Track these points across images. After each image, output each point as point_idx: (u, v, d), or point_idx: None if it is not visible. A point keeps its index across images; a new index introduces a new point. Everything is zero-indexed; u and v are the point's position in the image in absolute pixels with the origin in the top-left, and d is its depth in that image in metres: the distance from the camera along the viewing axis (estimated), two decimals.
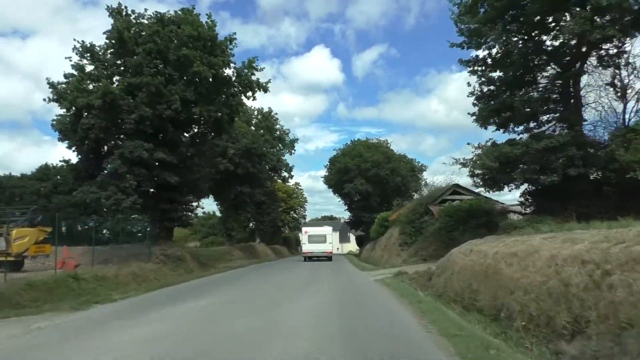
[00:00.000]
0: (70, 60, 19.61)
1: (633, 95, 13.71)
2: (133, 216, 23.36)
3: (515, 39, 13.99)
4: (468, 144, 15.21)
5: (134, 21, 20.68)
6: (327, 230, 34.47)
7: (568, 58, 13.80)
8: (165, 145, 20.68)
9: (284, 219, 55.00)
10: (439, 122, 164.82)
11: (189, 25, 19.96)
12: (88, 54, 20.26)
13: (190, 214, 24.03)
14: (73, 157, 20.98)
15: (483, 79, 15.07)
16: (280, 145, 44.89)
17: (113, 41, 20.16)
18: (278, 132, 44.93)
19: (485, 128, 15.52)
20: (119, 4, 20.50)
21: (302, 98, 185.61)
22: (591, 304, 5.26)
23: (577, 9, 12.05)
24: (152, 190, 20.55)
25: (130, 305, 9.44)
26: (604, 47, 14.07)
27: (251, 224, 48.38)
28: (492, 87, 15.21)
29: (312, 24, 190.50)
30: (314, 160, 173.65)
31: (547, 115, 14.47)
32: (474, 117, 15.45)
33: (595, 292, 5.35)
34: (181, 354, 5.01)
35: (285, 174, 45.90)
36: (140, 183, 19.29)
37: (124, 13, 20.53)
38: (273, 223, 46.95)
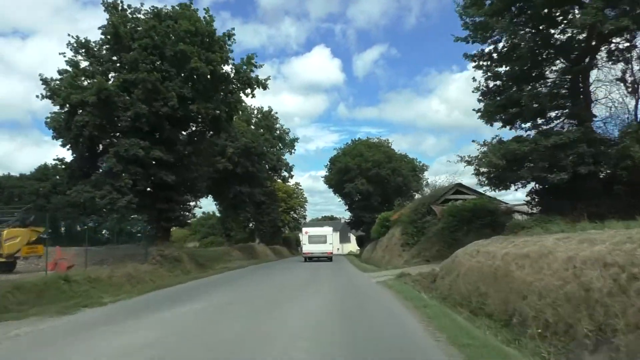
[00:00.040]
0: (64, 56, 19.17)
1: None
2: (133, 216, 22.98)
3: (523, 32, 13.49)
4: (473, 141, 14.82)
5: (130, 16, 20.23)
6: (327, 230, 34.38)
7: (577, 52, 13.31)
8: (161, 144, 20.22)
9: (284, 219, 54.53)
10: (440, 122, 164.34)
11: (186, 21, 19.51)
12: (83, 50, 19.83)
13: (187, 213, 23.55)
14: (68, 156, 20.58)
15: (489, 74, 14.57)
16: (280, 144, 44.42)
17: (108, 37, 19.74)
18: (278, 132, 44.47)
19: (491, 125, 15.06)
20: None
21: (302, 98, 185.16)
22: (618, 311, 4.79)
23: (587, 0, 11.58)
24: (148, 189, 20.08)
25: (120, 309, 8.98)
26: (614, 40, 13.60)
27: (251, 224, 47.94)
28: (498, 83, 14.71)
29: (313, 23, 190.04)
30: (314, 161, 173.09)
31: (556, 112, 13.99)
32: (479, 114, 14.97)
33: (621, 297, 4.88)
34: None
35: (285, 173, 45.47)
36: (136, 182, 18.83)
37: (119, 8, 20.07)
38: (273, 223, 46.48)
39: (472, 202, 19.86)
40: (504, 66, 14.71)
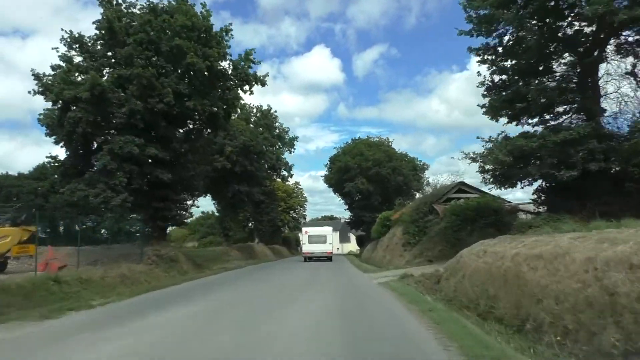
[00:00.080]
0: (58, 51, 18.67)
1: None
2: (132, 215, 22.46)
3: (529, 24, 13.00)
4: (478, 137, 14.35)
5: (125, 11, 19.74)
6: (327, 230, 34.29)
7: (586, 45, 12.83)
8: (157, 141, 19.74)
9: (283, 219, 54.05)
10: (440, 122, 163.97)
11: (182, 15, 19.02)
12: (77, 45, 19.32)
13: (184, 212, 23.07)
14: (62, 154, 20.07)
15: (494, 68, 14.07)
16: (279, 143, 43.92)
17: (103, 32, 19.23)
18: (277, 130, 43.96)
19: (497, 120, 14.57)
20: None
21: (302, 98, 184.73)
22: None
23: None
24: (144, 188, 19.57)
25: (108, 313, 8.48)
26: (623, 33, 13.13)
27: (250, 224, 47.47)
28: (503, 77, 14.22)
29: (313, 23, 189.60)
30: (314, 160, 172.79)
31: (564, 106, 13.49)
32: (484, 109, 14.48)
33: None
34: None
35: (284, 172, 44.92)
36: (130, 180, 18.35)
37: (114, 2, 19.58)
38: (272, 223, 46.02)
39: (475, 200, 19.38)
40: (509, 60, 14.23)
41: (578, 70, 13.21)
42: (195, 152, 22.05)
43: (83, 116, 17.30)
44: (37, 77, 17.85)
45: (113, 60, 19.53)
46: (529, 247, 8.12)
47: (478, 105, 14.57)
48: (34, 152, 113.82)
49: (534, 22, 13.19)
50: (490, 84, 14.57)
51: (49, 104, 18.74)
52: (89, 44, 19.55)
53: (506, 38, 14.03)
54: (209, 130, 23.56)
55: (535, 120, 14.06)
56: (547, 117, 13.77)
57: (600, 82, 13.34)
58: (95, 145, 19.70)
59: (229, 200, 34.61)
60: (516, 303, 7.17)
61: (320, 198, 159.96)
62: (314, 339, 5.84)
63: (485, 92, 14.69)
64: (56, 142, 18.67)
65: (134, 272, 16.48)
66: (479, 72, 14.57)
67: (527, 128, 14.02)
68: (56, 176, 36.20)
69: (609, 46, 13.26)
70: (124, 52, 18.23)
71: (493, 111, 14.17)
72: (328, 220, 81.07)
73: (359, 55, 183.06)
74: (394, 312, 7.89)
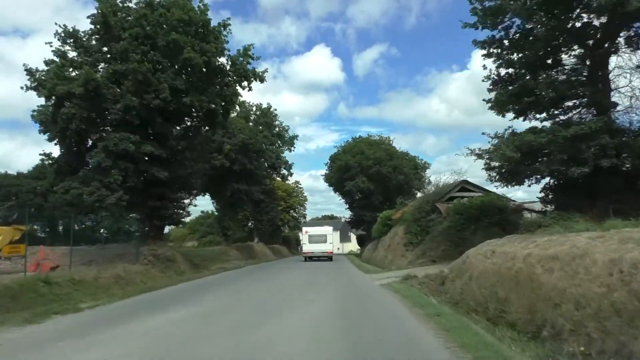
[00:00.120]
0: (51, 46, 18.18)
1: None
2: (132, 215, 22.01)
3: (537, 17, 12.50)
4: (483, 133, 13.77)
5: (120, 5, 19.25)
6: (327, 230, 34.04)
7: (597, 37, 12.32)
8: (153, 138, 19.30)
9: (283, 218, 53.56)
10: (440, 122, 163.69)
11: (179, 9, 18.53)
12: (71, 40, 18.83)
13: (181, 211, 22.57)
14: (56, 151, 19.60)
15: (500, 61, 13.55)
16: (279, 142, 43.40)
17: (98, 26, 18.75)
18: (277, 129, 43.44)
19: (503, 115, 14.04)
20: None
21: (302, 97, 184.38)
22: None
23: None
24: (140, 186, 19.09)
25: (95, 317, 8.01)
26: (634, 25, 12.63)
27: (250, 223, 46.99)
28: (510, 70, 13.71)
29: (313, 23, 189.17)
30: (315, 160, 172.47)
31: (574, 101, 12.98)
32: (490, 104, 13.98)
33: None
34: None
35: (284, 171, 44.40)
36: (126, 178, 17.87)
37: None
38: (272, 222, 45.55)
39: (479, 199, 18.89)
40: (515, 54, 13.72)
41: (588, 63, 12.69)
42: (192, 149, 21.56)
43: (77, 112, 16.82)
44: (29, 72, 17.37)
45: (109, 56, 19.06)
46: (542, 248, 7.65)
47: (483, 100, 14.09)
48: (34, 151, 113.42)
49: (542, 13, 12.68)
50: (496, 77, 14.05)
51: (47, 102, 18.28)
52: (84, 39, 19.07)
53: (512, 30, 13.52)
54: (207, 128, 23.09)
55: (543, 115, 13.54)
56: (556, 111, 13.26)
57: (610, 75, 12.84)
58: (90, 142, 19.25)
59: (228, 199, 34.12)
60: (530, 307, 6.69)
61: (320, 197, 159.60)
62: (313, 345, 5.39)
63: (491, 87, 14.18)
64: (50, 139, 18.20)
65: (129, 273, 16.03)
66: (484, 65, 14.12)
67: (534, 123, 13.52)
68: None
69: (619, 38, 12.74)
70: (119, 47, 17.75)
71: (499, 106, 13.66)
72: (328, 219, 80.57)
73: (359, 55, 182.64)
74: (399, 316, 7.40)
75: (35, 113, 18.89)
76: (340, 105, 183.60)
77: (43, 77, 17.43)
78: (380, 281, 13.41)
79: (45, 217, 36.01)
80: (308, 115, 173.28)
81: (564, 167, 11.12)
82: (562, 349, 5.21)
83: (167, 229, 43.09)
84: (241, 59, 21.09)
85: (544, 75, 12.65)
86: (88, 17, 18.72)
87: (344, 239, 76.80)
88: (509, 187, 13.85)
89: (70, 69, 18.14)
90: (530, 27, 13.18)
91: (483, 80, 14.14)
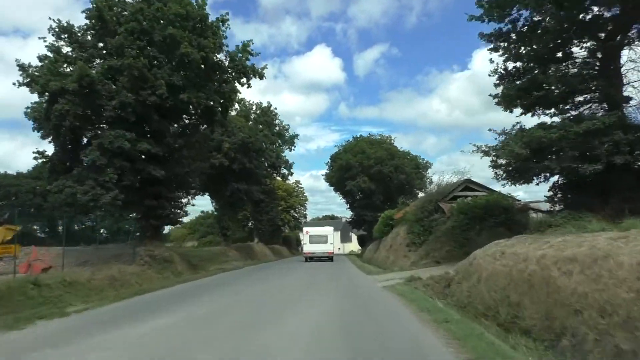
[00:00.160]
0: (45, 41, 17.73)
1: None
2: (131, 215, 21.55)
3: (546, 8, 12.01)
4: (490, 129, 13.28)
5: None
6: (328, 230, 33.79)
7: (608, 29, 11.82)
8: (150, 136, 18.83)
9: (283, 218, 53.07)
10: (441, 122, 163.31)
11: (176, 4, 18.06)
12: (65, 35, 18.37)
13: (179, 211, 22.09)
14: (50, 149, 19.12)
15: (508, 54, 13.03)
16: (279, 141, 42.89)
17: (93, 21, 18.29)
18: (277, 128, 42.94)
19: (511, 111, 13.54)
20: None
21: (303, 97, 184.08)
22: None
23: None
24: (137, 184, 18.62)
25: (81, 323, 7.51)
26: None
27: (250, 223, 46.51)
28: (518, 64, 13.20)
29: (314, 22, 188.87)
30: (315, 160, 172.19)
31: (584, 95, 12.47)
32: (497, 99, 13.48)
33: None
34: None
35: (284, 170, 43.87)
36: (121, 177, 17.40)
37: None
38: (272, 222, 45.08)
39: (484, 198, 18.40)
40: (522, 47, 13.22)
41: (599, 56, 12.20)
42: (190, 147, 21.09)
43: (71, 109, 16.34)
44: (22, 67, 16.92)
45: (104, 52, 18.60)
46: (557, 249, 7.17)
47: (490, 95, 13.60)
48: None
49: (551, 5, 12.19)
50: (503, 72, 13.55)
51: (41, 99, 17.82)
52: (79, 34, 18.61)
53: (520, 23, 13.02)
54: (205, 126, 22.63)
55: (552, 110, 13.04)
56: (566, 106, 12.75)
57: (622, 69, 12.34)
58: (85, 140, 18.79)
59: (227, 199, 33.64)
60: (546, 313, 6.21)
61: (321, 197, 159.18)
62: (313, 356, 4.91)
63: (498, 81, 13.68)
64: (43, 137, 17.74)
65: (125, 274, 15.59)
66: (491, 59, 13.58)
67: (543, 119, 13.01)
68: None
69: (632, 31, 12.24)
70: (115, 42, 17.27)
71: (507, 101, 13.15)
72: (329, 219, 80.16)
73: (359, 55, 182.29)
74: (404, 323, 6.91)
75: (29, 110, 18.42)
76: (341, 105, 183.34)
77: (36, 73, 16.98)
78: (382, 283, 12.93)
79: (45, 217, 35.60)
80: (309, 115, 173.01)
81: (575, 164, 10.62)
82: None
83: (167, 229, 42.73)
84: (240, 55, 20.62)
85: (554, 69, 12.15)
86: (83, 11, 18.31)
87: (345, 239, 76.39)
88: (517, 185, 13.38)
89: (65, 65, 17.68)
90: (538, 19, 12.69)
91: (489, 75, 13.69)
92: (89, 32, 18.84)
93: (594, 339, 4.89)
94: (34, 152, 17.81)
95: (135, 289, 14.15)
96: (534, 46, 12.56)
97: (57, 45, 17.93)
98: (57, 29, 18.19)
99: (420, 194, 39.57)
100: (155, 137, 18.73)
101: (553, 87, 11.97)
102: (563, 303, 5.86)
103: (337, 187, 49.42)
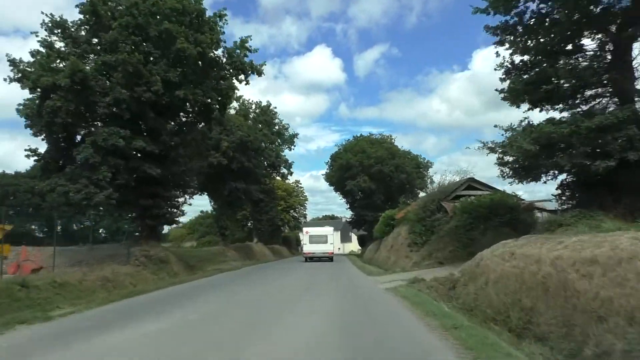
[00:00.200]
0: (37, 36, 17.25)
1: None
2: (130, 215, 21.06)
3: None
4: (495, 126, 12.79)
5: None
6: (328, 230, 33.57)
7: (619, 20, 11.33)
8: (145, 133, 18.36)
9: (283, 218, 52.58)
10: (441, 122, 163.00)
11: None
12: (59, 30, 17.89)
13: (175, 210, 21.60)
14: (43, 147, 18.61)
15: (515, 47, 12.53)
16: (279, 140, 42.37)
17: (87, 16, 17.82)
18: (277, 127, 42.43)
19: (518, 106, 13.04)
20: None
21: (303, 97, 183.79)
22: None
23: None
24: (132, 183, 18.15)
25: (62, 328, 7.00)
26: None
27: (249, 223, 46.03)
28: (525, 58, 12.70)
29: (314, 23, 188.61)
30: (315, 160, 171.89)
31: (595, 89, 11.99)
32: (503, 95, 12.99)
33: None
34: None
35: (284, 170, 43.33)
36: (116, 175, 16.94)
37: None
38: (272, 222, 44.60)
39: (488, 197, 17.91)
40: (530, 41, 12.73)
41: (610, 49, 11.71)
42: (187, 145, 20.59)
43: (63, 105, 15.86)
44: (12, 62, 16.43)
45: (98, 47, 18.12)
46: (573, 249, 6.70)
47: (496, 90, 13.10)
48: None
49: None
50: (509, 65, 13.07)
51: (33, 95, 17.34)
52: (72, 29, 18.13)
53: (527, 16, 12.54)
54: (202, 124, 22.15)
55: (561, 105, 12.55)
56: (577, 101, 12.27)
57: (634, 63, 11.85)
58: (79, 138, 18.32)
59: (226, 198, 33.15)
60: (564, 319, 5.74)
61: (321, 198, 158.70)
62: None
63: (504, 76, 13.18)
64: (35, 134, 17.25)
65: (118, 275, 15.13)
66: (497, 52, 13.09)
67: (551, 114, 12.49)
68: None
69: None
70: (109, 37, 16.81)
71: (513, 96, 12.64)
72: (329, 219, 79.70)
73: (360, 55, 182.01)
74: (411, 329, 6.42)
75: (21, 107, 17.94)
76: (341, 105, 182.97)
77: (28, 68, 16.50)
78: (385, 285, 12.45)
79: (43, 217, 35.09)
80: (309, 115, 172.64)
81: (587, 160, 10.14)
82: None
83: (166, 229, 42.23)
84: (238, 51, 20.14)
85: (563, 62, 11.66)
86: (77, 6, 17.80)
87: (345, 239, 75.96)
88: (524, 183, 12.88)
89: (58, 61, 17.21)
90: (546, 11, 12.21)
91: (495, 69, 13.18)
92: (83, 28, 18.37)
93: (622, 349, 4.41)
94: (26, 150, 17.32)
95: (128, 290, 13.69)
96: (542, 39, 12.06)
97: (49, 40, 17.45)
98: (50, 24, 17.72)
99: (421, 194, 39.10)
100: (150, 134, 18.26)
101: (562, 81, 11.49)
102: (584, 309, 5.39)
103: (337, 186, 48.98)
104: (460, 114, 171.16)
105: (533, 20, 12.31)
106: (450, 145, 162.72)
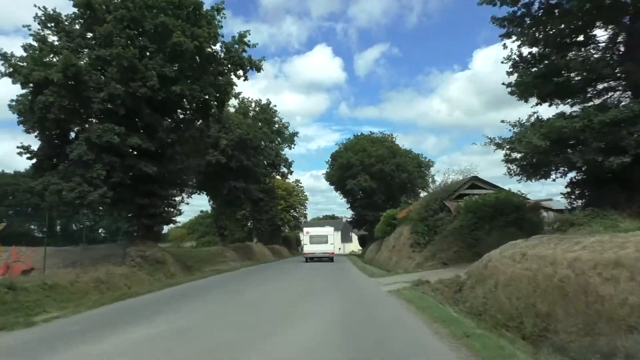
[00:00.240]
0: (29, 29, 16.79)
1: None
2: (130, 215, 20.61)
3: None
4: (502, 121, 12.31)
5: None
6: (328, 230, 33.19)
7: (630, 9, 10.83)
8: (141, 130, 17.87)
9: (283, 218, 52.09)
10: (441, 122, 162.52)
11: None
12: (52, 24, 17.42)
13: (172, 209, 21.12)
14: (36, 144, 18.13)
15: (523, 39, 12.04)
16: (279, 139, 41.87)
17: (81, 10, 17.34)
18: (277, 125, 41.93)
19: (526, 100, 12.55)
20: None
21: (303, 97, 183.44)
22: None
23: None
24: (127, 181, 17.67)
25: (43, 336, 6.51)
26: None
27: (249, 223, 45.54)
28: (534, 50, 12.20)
29: (314, 22, 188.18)
30: (316, 160, 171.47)
31: (607, 82, 11.48)
32: (510, 89, 12.50)
33: None
34: None
35: (284, 169, 42.84)
36: (110, 173, 16.45)
37: None
38: (272, 222, 44.10)
39: (493, 196, 17.42)
40: (538, 32, 12.23)
41: (621, 40, 11.22)
42: (184, 143, 20.10)
43: (56, 100, 15.37)
44: (4, 56, 15.95)
45: (93, 42, 17.64)
46: (592, 250, 6.21)
47: (503, 83, 12.61)
48: None
49: None
50: (517, 58, 12.56)
51: (27, 92, 16.86)
52: (66, 23, 17.65)
53: (535, 7, 12.04)
54: (200, 121, 21.67)
55: (571, 100, 12.06)
56: (588, 94, 11.77)
57: None
58: (73, 135, 17.83)
59: (225, 197, 32.66)
60: (587, 328, 5.26)
61: (321, 197, 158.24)
62: None
63: (511, 69, 12.68)
64: (27, 131, 16.77)
65: (113, 276, 14.67)
66: (504, 44, 12.59)
67: (561, 109, 11.99)
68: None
69: None
70: (103, 31, 16.33)
71: (521, 89, 12.14)
72: (329, 219, 79.21)
73: (360, 55, 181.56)
74: (419, 338, 5.92)
75: (13, 103, 17.45)
76: (341, 105, 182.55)
77: (19, 63, 16.03)
78: (387, 287, 11.95)
79: (42, 217, 34.62)
80: (309, 115, 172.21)
81: (600, 156, 9.65)
82: None
83: (166, 229, 41.75)
84: (236, 46, 19.67)
85: (574, 54, 11.16)
86: None
87: (345, 239, 75.49)
88: (532, 181, 12.38)
89: (51, 55, 16.73)
90: (555, 1, 11.70)
91: (502, 62, 12.69)
92: (77, 21, 17.89)
93: None
94: (18, 147, 16.82)
95: (122, 292, 13.24)
96: (551, 30, 11.56)
97: (42, 34, 16.97)
98: (43, 17, 17.24)
99: (423, 193, 38.63)
100: (146, 131, 17.78)
101: (573, 74, 11.00)
102: (609, 316, 4.91)
103: (337, 186, 48.48)
104: (460, 114, 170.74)
105: (542, 10, 11.81)
106: (450, 145, 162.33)
